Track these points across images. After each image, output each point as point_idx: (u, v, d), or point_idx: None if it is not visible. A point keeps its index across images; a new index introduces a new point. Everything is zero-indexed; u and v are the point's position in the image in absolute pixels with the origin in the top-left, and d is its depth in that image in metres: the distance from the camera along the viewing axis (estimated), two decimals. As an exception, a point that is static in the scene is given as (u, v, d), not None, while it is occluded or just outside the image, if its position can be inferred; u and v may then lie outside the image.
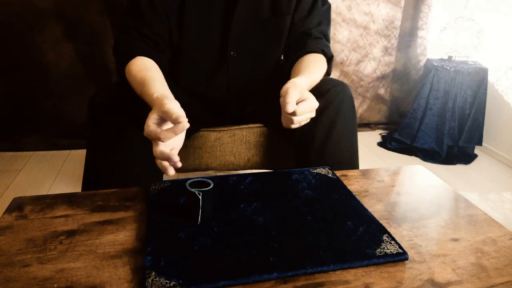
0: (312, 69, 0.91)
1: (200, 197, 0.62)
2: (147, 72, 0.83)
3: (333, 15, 2.04)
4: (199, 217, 0.63)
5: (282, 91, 0.73)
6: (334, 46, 2.11)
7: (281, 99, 0.72)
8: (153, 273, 0.52)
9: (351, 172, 0.88)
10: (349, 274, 0.56)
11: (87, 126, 0.90)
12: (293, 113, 0.71)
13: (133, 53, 0.89)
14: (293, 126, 0.75)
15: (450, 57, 2.06)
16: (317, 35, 1.02)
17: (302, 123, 0.76)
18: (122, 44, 0.93)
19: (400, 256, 0.59)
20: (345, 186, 0.78)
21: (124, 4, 1.01)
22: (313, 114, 0.77)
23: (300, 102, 0.73)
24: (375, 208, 0.73)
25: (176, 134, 0.63)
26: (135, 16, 0.94)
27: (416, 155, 2.03)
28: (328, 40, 1.06)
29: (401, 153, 2.06)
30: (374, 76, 2.25)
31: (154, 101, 0.70)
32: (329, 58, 1.02)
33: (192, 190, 0.62)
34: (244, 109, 1.14)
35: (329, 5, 1.06)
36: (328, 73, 1.03)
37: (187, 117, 1.11)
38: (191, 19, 0.97)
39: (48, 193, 0.74)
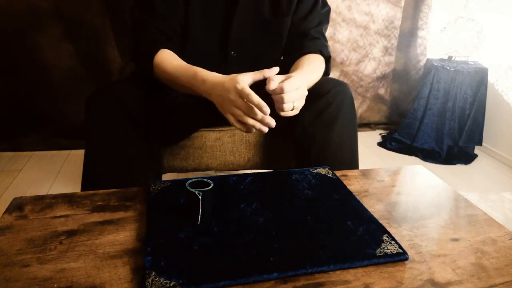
0: (308, 69, 0.91)
1: (200, 197, 0.62)
2: (184, 62, 0.90)
3: (333, 15, 2.04)
4: (199, 217, 0.63)
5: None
6: (334, 46, 2.11)
7: (266, 86, 0.75)
8: (153, 273, 0.52)
9: (351, 172, 0.88)
10: (349, 274, 0.56)
11: (85, 126, 0.90)
12: (280, 92, 0.74)
13: (156, 46, 0.92)
14: (286, 107, 0.76)
15: (450, 57, 2.06)
16: (315, 35, 1.02)
17: (296, 104, 0.78)
18: (142, 38, 0.94)
19: (400, 256, 0.59)
20: (345, 186, 0.78)
21: (127, 3, 1.02)
22: (305, 92, 0.80)
23: (284, 81, 0.76)
24: (375, 208, 0.73)
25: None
26: (148, 10, 0.94)
27: (416, 155, 2.03)
28: (326, 40, 1.06)
29: (401, 153, 2.06)
30: (374, 76, 2.24)
31: (229, 80, 0.76)
32: (327, 58, 1.02)
33: (192, 190, 0.62)
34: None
35: (329, 8, 1.07)
36: (327, 73, 1.03)
37: (186, 116, 1.11)
38: (193, 19, 0.97)
39: (48, 193, 0.74)
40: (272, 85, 0.74)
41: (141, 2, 0.95)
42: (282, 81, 0.76)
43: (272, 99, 0.78)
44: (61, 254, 0.57)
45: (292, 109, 0.78)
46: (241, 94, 0.73)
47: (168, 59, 0.90)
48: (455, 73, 1.94)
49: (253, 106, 0.72)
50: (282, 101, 0.76)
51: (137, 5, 0.96)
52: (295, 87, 0.76)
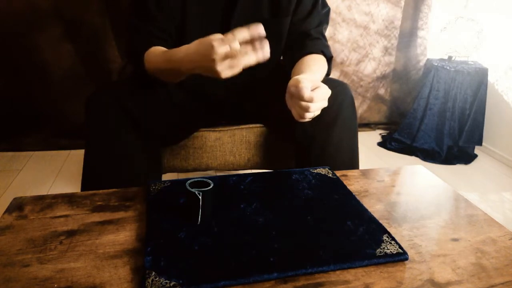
0: (313, 68, 0.91)
1: (200, 197, 0.62)
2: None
3: (333, 15, 2.04)
4: (199, 217, 0.63)
5: (291, 82, 0.73)
6: (334, 46, 2.11)
7: (292, 89, 0.72)
8: (153, 273, 0.52)
9: (351, 172, 0.88)
10: (349, 274, 0.56)
11: (85, 126, 0.90)
12: (309, 101, 0.71)
13: (148, 44, 0.91)
14: (308, 116, 0.74)
15: (450, 57, 2.06)
16: (316, 36, 1.02)
17: (316, 113, 0.75)
18: (135, 41, 0.94)
19: (400, 256, 0.59)
20: (345, 186, 0.78)
21: (127, 3, 1.02)
22: (326, 104, 0.77)
23: (314, 89, 0.73)
24: (375, 208, 0.73)
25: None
26: (143, 15, 0.94)
27: (416, 155, 2.03)
28: (326, 40, 1.06)
29: (401, 153, 2.06)
30: (374, 76, 2.24)
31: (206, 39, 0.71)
32: (329, 59, 1.02)
33: (192, 190, 0.62)
34: (243, 108, 1.14)
35: (329, 9, 1.07)
36: (327, 73, 1.03)
37: (186, 116, 1.10)
38: (191, 20, 0.97)
39: (48, 193, 0.74)
40: (306, 93, 0.70)
41: (136, 6, 0.95)
42: (312, 90, 0.73)
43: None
44: (61, 254, 0.57)
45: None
46: (226, 39, 0.68)
47: (155, 52, 0.89)
48: (455, 73, 1.94)
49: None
50: (308, 110, 0.72)
51: (132, 9, 0.96)
52: (323, 97, 0.74)
